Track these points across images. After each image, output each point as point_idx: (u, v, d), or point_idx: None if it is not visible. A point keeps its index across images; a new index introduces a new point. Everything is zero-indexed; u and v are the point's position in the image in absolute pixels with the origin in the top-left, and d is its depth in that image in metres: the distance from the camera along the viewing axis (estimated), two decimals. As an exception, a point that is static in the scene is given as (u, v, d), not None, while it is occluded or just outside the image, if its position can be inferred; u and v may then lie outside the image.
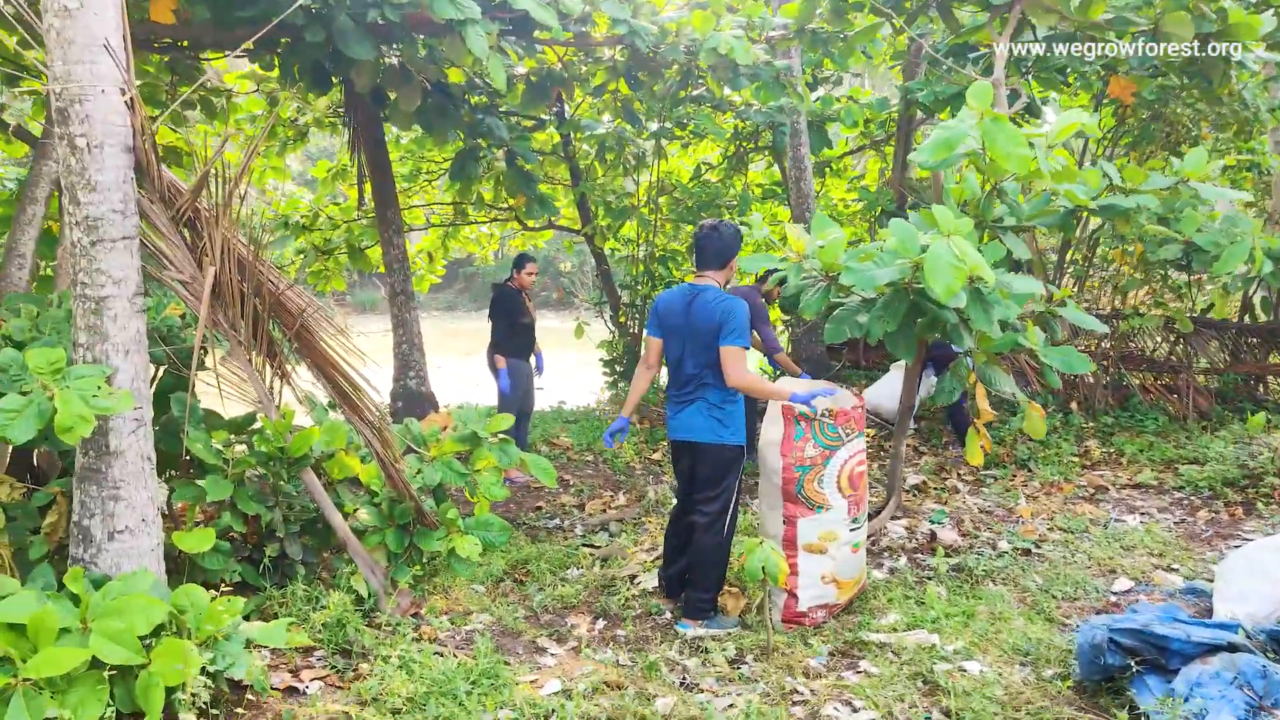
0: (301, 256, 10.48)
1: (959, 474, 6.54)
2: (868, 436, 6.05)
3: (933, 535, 4.88)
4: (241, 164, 3.18)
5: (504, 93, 6.56)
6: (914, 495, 5.91)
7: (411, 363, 7.27)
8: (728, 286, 4.05)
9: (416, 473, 4.31)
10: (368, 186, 7.20)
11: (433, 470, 4.30)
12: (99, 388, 2.87)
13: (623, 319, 9.93)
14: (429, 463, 4.37)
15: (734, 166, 11.33)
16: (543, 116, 9.98)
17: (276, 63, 6.41)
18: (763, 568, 3.48)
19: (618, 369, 9.87)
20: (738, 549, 4.05)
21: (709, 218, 10.10)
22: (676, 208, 10.40)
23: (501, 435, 4.51)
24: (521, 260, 6.53)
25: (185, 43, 6.42)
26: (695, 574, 3.94)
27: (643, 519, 5.51)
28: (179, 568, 3.50)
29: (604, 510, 5.79)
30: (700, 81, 7.73)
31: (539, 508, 5.89)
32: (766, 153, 11.33)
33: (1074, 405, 7.55)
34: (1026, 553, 4.75)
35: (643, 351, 4.21)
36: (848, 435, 3.89)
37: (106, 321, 3.06)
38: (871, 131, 11.69)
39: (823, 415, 3.82)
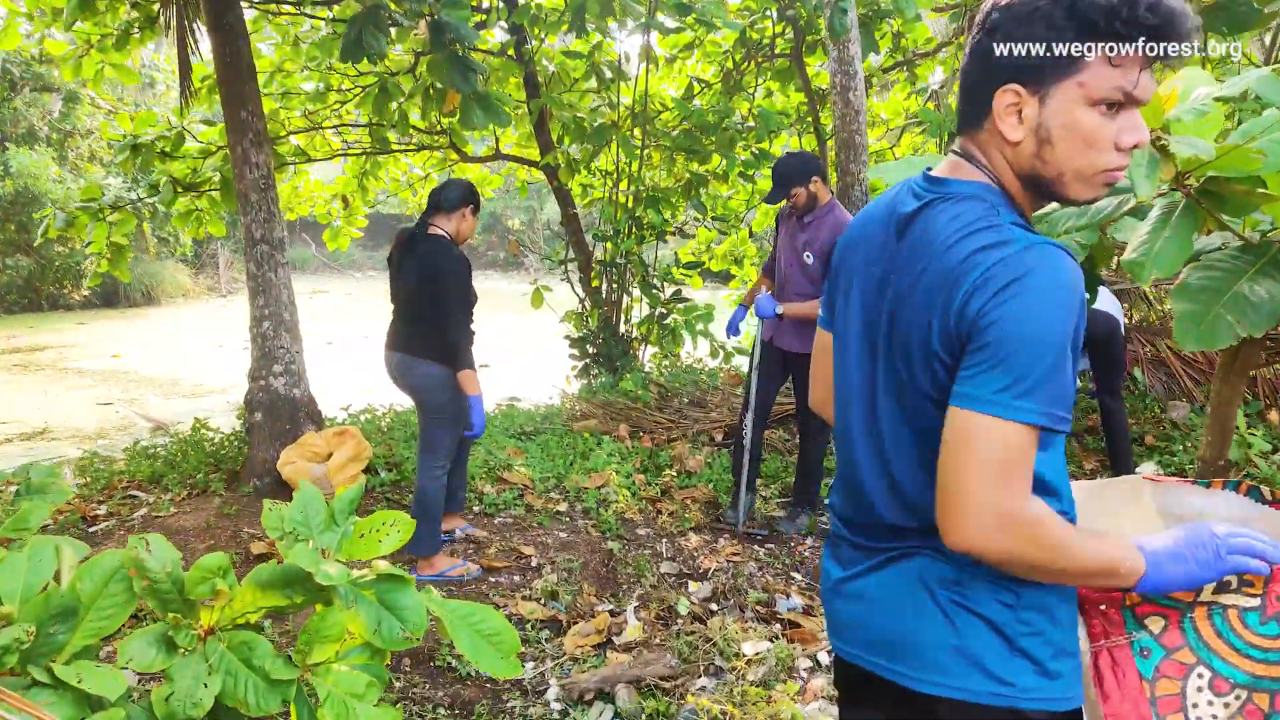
0: (155, 193, 7.63)
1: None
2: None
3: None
4: None
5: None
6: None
7: (277, 352, 4.56)
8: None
9: (158, 676, 1.68)
10: (202, 76, 4.41)
11: (192, 674, 1.67)
12: None
13: (596, 282, 7.33)
14: (192, 651, 1.74)
15: (731, 87, 8.71)
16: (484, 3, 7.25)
17: None
18: None
19: (589, 350, 7.28)
20: None
21: (717, 141, 7.41)
22: (668, 134, 7.77)
23: (392, 568, 1.90)
24: (454, 194, 3.48)
25: None
26: None
27: (681, 680, 2.88)
28: None
29: (598, 645, 3.12)
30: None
31: (477, 626, 3.28)
32: (768, 73, 8.76)
33: (1277, 415, 5.15)
34: None
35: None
36: None
37: None
38: (908, 46, 9.12)
39: (1217, 594, 1.26)
